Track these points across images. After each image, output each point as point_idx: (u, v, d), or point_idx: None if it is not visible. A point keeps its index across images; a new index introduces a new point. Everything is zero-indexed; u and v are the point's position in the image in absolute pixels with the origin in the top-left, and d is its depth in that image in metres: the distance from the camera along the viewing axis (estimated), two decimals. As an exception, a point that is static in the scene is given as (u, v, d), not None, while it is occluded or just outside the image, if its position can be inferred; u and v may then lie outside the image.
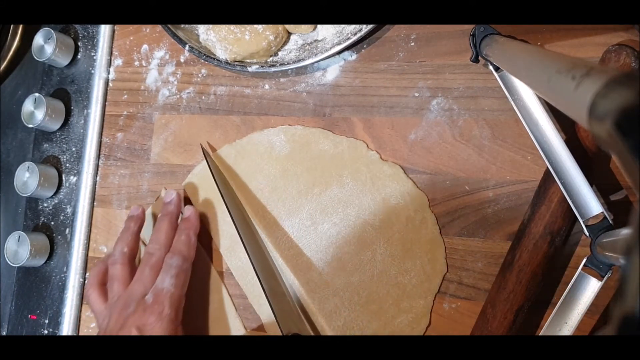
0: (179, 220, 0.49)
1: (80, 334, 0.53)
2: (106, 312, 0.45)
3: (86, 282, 0.48)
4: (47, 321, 0.54)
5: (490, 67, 0.40)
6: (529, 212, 0.38)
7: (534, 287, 0.37)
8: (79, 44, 0.58)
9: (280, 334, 0.41)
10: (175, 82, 0.54)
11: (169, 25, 0.51)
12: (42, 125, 0.55)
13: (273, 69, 0.48)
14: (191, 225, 0.47)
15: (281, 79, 0.50)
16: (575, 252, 0.39)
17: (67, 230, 0.55)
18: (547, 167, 0.37)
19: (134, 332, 0.40)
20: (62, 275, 0.54)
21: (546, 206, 0.37)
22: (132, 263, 0.48)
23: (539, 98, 0.38)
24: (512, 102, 0.38)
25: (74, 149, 0.56)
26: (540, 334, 0.36)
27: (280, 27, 0.48)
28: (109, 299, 0.46)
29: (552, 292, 0.40)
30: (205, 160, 0.49)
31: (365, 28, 0.45)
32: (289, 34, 0.50)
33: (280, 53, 0.50)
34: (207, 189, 0.50)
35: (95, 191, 0.55)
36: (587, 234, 0.35)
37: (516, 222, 0.40)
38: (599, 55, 0.38)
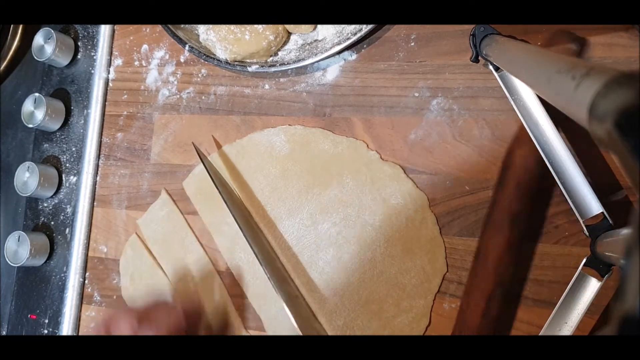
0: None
1: (80, 334, 0.53)
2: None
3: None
4: (47, 321, 0.54)
5: (490, 67, 0.39)
6: (490, 201, 0.39)
7: (503, 272, 0.38)
8: (79, 44, 0.58)
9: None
10: (175, 82, 0.54)
11: (169, 25, 0.51)
12: (42, 125, 0.55)
13: (273, 69, 0.48)
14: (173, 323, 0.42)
15: (281, 79, 0.50)
16: (575, 252, 0.39)
17: (67, 230, 0.55)
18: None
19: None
20: (62, 275, 0.54)
21: (502, 193, 0.38)
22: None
23: (539, 98, 0.38)
24: (512, 102, 0.38)
25: (74, 149, 0.56)
26: (540, 334, 0.36)
27: (280, 27, 0.48)
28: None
29: (552, 292, 0.40)
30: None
31: (365, 28, 0.45)
32: (289, 34, 0.50)
33: (280, 53, 0.50)
34: (207, 189, 0.50)
35: (95, 191, 0.55)
36: (587, 234, 0.35)
37: (516, 222, 0.40)
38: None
